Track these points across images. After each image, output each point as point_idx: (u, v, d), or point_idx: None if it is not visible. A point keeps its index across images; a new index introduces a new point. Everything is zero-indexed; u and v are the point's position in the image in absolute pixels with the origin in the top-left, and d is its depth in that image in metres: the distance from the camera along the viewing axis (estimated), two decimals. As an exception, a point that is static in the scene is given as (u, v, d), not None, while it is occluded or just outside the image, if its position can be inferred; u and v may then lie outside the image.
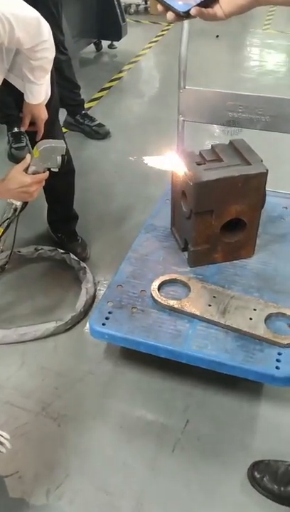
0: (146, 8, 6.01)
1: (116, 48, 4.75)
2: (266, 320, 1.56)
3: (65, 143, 1.60)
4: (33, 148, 1.58)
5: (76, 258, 2.07)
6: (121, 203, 2.54)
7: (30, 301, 1.96)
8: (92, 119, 3.17)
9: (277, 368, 1.42)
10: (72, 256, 2.08)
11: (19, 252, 2.10)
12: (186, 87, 1.93)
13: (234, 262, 1.82)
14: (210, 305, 1.61)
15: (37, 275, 2.08)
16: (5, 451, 1.20)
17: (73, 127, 3.20)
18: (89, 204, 2.48)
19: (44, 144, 1.55)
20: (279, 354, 1.46)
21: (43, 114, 1.75)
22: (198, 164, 1.69)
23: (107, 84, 4.03)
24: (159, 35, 5.18)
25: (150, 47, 4.91)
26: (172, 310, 1.61)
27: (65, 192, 2.07)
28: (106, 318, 1.59)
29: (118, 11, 4.26)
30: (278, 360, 1.44)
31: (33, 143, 1.97)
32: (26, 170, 1.53)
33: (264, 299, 1.64)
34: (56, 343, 1.78)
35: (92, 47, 4.64)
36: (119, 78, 4.21)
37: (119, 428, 1.53)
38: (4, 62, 1.57)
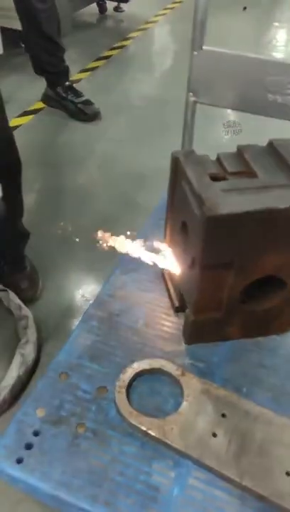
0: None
1: (123, 11, 3.99)
2: (315, 476, 0.86)
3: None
4: None
5: (17, 300, 1.37)
6: (101, 212, 1.83)
7: None
8: (77, 94, 2.45)
9: None
10: (13, 295, 1.38)
11: None
12: (204, 47, 1.20)
13: (260, 339, 1.12)
14: (214, 434, 0.91)
15: None
16: None
17: (53, 102, 2.48)
18: (53, 212, 1.77)
19: None
20: None
21: None
22: (213, 179, 0.97)
23: (107, 53, 3.28)
24: (178, 1, 4.39)
25: (164, 14, 4.14)
26: (147, 437, 0.92)
27: (7, 196, 1.34)
28: (28, 447, 0.89)
29: None
30: None
31: None
32: None
33: (310, 425, 0.94)
34: None
35: (94, 8, 3.87)
36: (123, 47, 3.46)
37: None
38: None
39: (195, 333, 1.09)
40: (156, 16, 4.06)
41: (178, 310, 1.16)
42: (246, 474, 0.85)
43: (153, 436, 0.91)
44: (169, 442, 0.89)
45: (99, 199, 1.88)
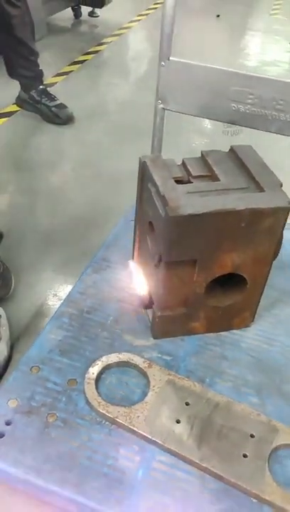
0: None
1: (98, 16, 4.05)
2: (270, 458, 0.93)
3: None
4: None
5: (-11, 298, 1.41)
6: (75, 215, 1.88)
7: None
8: (51, 98, 2.49)
9: None
10: (-15, 294, 1.42)
11: None
12: (171, 58, 1.27)
13: (223, 334, 1.18)
14: (178, 421, 0.97)
15: None
16: None
17: (27, 106, 2.52)
18: (27, 214, 1.81)
19: None
20: (293, 538, 0.83)
21: None
22: (178, 182, 1.03)
23: (81, 58, 3.34)
24: (152, 8, 4.48)
25: (139, 20, 4.21)
26: (114, 424, 0.97)
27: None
28: (0, 436, 0.93)
29: (103, -29, 3.56)
30: None
31: None
32: None
33: (266, 412, 1.01)
34: None
35: (69, 12, 3.91)
36: (97, 52, 3.52)
37: None
38: None
39: (162, 328, 1.15)
40: (131, 22, 4.13)
41: (147, 307, 1.21)
42: (206, 457, 0.91)
43: (120, 423, 0.96)
44: (135, 429, 0.95)
45: (72, 201, 1.93)
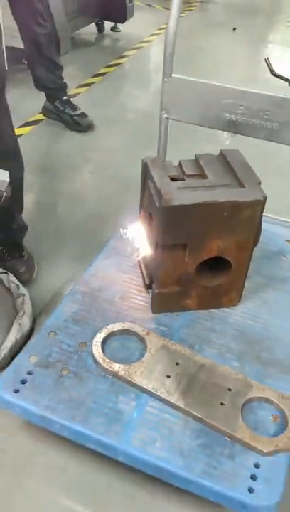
0: (161, -7, 5.52)
1: (120, 31, 4.27)
2: (243, 407, 1.12)
3: (9, 142, 1.16)
4: None
5: (15, 281, 1.63)
6: (92, 213, 2.08)
7: None
8: (73, 107, 2.71)
9: (250, 490, 0.98)
10: (12, 277, 1.64)
11: None
12: (173, 75, 1.48)
13: (213, 311, 1.38)
14: (168, 376, 1.17)
15: None
16: None
17: (51, 115, 2.74)
18: (49, 210, 2.04)
19: None
20: (256, 467, 1.02)
21: None
22: (173, 179, 1.24)
23: (103, 70, 3.56)
24: (171, 23, 4.70)
25: (159, 33, 4.42)
26: (116, 377, 1.17)
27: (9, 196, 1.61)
28: (23, 382, 1.14)
29: (124, -12, 3.79)
30: (253, 478, 1.00)
31: None
32: None
33: (244, 372, 1.20)
34: None
35: (93, 28, 4.17)
36: (119, 64, 3.74)
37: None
38: None
39: (160, 304, 1.35)
40: (151, 35, 4.35)
41: (148, 287, 1.41)
42: (190, 403, 1.11)
43: (120, 376, 1.16)
44: (132, 381, 1.15)
45: (89, 200, 2.14)
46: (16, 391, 1.12)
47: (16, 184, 1.59)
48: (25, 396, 1.11)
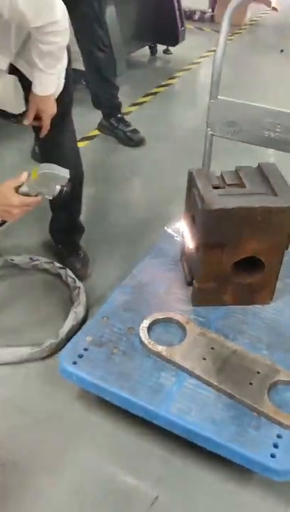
0: (211, 17, 5.75)
1: (171, 53, 4.52)
2: (270, 388, 1.27)
3: (73, 154, 1.37)
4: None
5: (72, 275, 1.84)
6: (140, 219, 2.29)
7: (10, 316, 1.74)
8: (126, 124, 2.95)
9: (273, 456, 1.13)
10: (69, 272, 1.86)
11: (12, 260, 1.89)
12: (219, 97, 1.67)
13: (246, 307, 1.53)
14: (204, 358, 1.34)
15: (26, 288, 1.86)
16: None
17: (106, 130, 2.99)
18: (102, 216, 2.26)
19: (46, 169, 1.34)
20: (279, 437, 1.17)
21: (51, 109, 1.53)
22: (215, 188, 1.42)
23: (154, 90, 3.81)
24: (220, 45, 4.92)
25: (208, 55, 4.65)
26: (159, 357, 1.35)
27: (70, 199, 1.84)
28: (80, 356, 1.34)
29: (177, 14, 4.03)
30: (275, 446, 1.15)
31: (37, 140, 1.78)
32: (18, 188, 1.33)
33: (272, 360, 1.35)
34: (27, 372, 1.55)
35: (146, 50, 4.44)
36: (169, 85, 3.98)
37: (77, 489, 1.28)
38: (11, 45, 1.37)
39: (199, 298, 1.52)
40: (201, 57, 4.58)
41: (189, 283, 1.59)
42: (222, 381, 1.27)
43: (163, 356, 1.34)
44: (173, 360, 1.32)
45: (139, 208, 2.34)
46: (74, 363, 1.32)
47: (76, 191, 1.82)
48: (81, 367, 1.31)
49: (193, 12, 5.67)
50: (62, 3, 1.29)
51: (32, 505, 1.24)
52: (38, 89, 1.46)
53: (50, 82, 1.46)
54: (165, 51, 4.50)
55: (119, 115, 2.96)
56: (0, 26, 1.27)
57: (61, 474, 1.31)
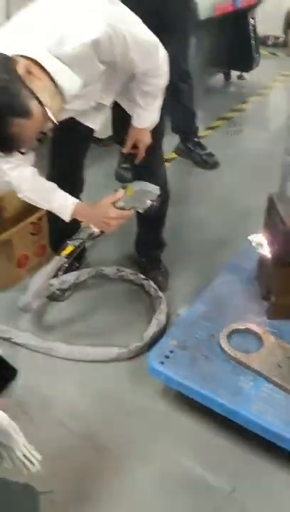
0: (285, 42, 5.87)
1: (245, 79, 4.69)
2: None
3: (162, 177, 1.57)
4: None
5: (154, 286, 2.03)
6: (215, 237, 2.45)
7: (100, 320, 1.95)
8: (202, 148, 3.14)
9: None
10: (152, 283, 2.04)
11: (102, 270, 2.11)
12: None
13: None
14: (280, 366, 1.46)
15: (114, 296, 2.07)
16: (34, 471, 1.18)
17: (183, 154, 3.19)
18: (180, 233, 2.43)
19: (140, 186, 1.58)
20: None
21: (146, 139, 1.74)
22: (294, 211, 1.55)
23: (228, 114, 3.98)
24: (293, 69, 5.02)
25: (281, 80, 4.77)
26: (238, 363, 1.49)
27: (156, 217, 2.03)
28: (166, 357, 1.51)
29: (253, 42, 4.20)
30: None
31: (126, 163, 2.01)
32: (115, 203, 1.55)
33: None
34: (116, 370, 1.74)
35: (220, 75, 4.64)
36: (242, 109, 4.14)
37: (160, 477, 1.44)
38: (117, 86, 1.60)
39: (274, 311, 1.65)
40: (274, 81, 4.71)
41: (265, 298, 1.72)
42: (297, 388, 1.39)
43: (242, 362, 1.48)
44: (251, 366, 1.46)
45: (214, 226, 2.50)
46: (162, 363, 1.49)
47: (162, 208, 2.02)
48: (168, 367, 1.48)
49: (267, 37, 5.82)
50: (164, 50, 1.49)
51: (120, 487, 1.41)
52: (136, 122, 1.67)
53: (147, 117, 1.67)
54: (239, 77, 4.67)
55: (196, 139, 3.15)
56: (109, 71, 1.50)
57: (147, 462, 1.47)
